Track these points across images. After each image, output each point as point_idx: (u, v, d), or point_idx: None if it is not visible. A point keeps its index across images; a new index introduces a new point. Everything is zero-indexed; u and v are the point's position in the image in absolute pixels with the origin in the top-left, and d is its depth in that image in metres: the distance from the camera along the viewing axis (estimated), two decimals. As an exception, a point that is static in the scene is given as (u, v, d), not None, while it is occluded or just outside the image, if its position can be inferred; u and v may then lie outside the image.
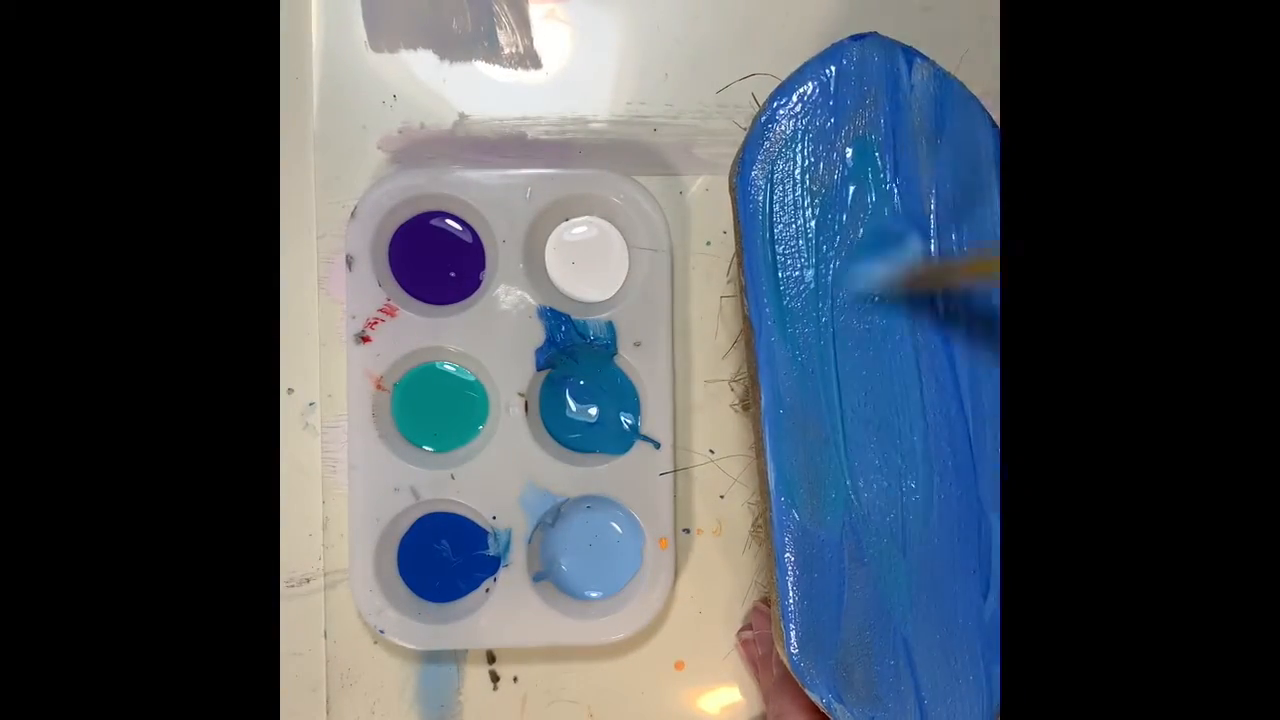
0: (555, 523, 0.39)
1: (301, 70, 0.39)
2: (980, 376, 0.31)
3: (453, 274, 0.39)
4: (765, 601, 0.39)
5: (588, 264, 0.39)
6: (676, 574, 0.39)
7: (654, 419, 0.38)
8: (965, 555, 0.31)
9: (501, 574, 0.38)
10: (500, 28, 0.39)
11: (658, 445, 0.38)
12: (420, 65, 0.39)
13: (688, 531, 0.40)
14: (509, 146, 0.39)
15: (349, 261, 0.37)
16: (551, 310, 0.38)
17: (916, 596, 0.31)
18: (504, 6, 0.39)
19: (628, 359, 0.38)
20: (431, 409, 0.39)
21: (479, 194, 0.37)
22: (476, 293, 0.38)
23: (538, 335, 0.38)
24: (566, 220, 0.39)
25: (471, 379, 0.39)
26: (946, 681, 0.31)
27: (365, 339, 0.38)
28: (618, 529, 0.39)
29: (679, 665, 0.40)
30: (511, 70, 0.39)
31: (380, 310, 0.37)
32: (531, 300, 0.38)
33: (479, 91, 0.39)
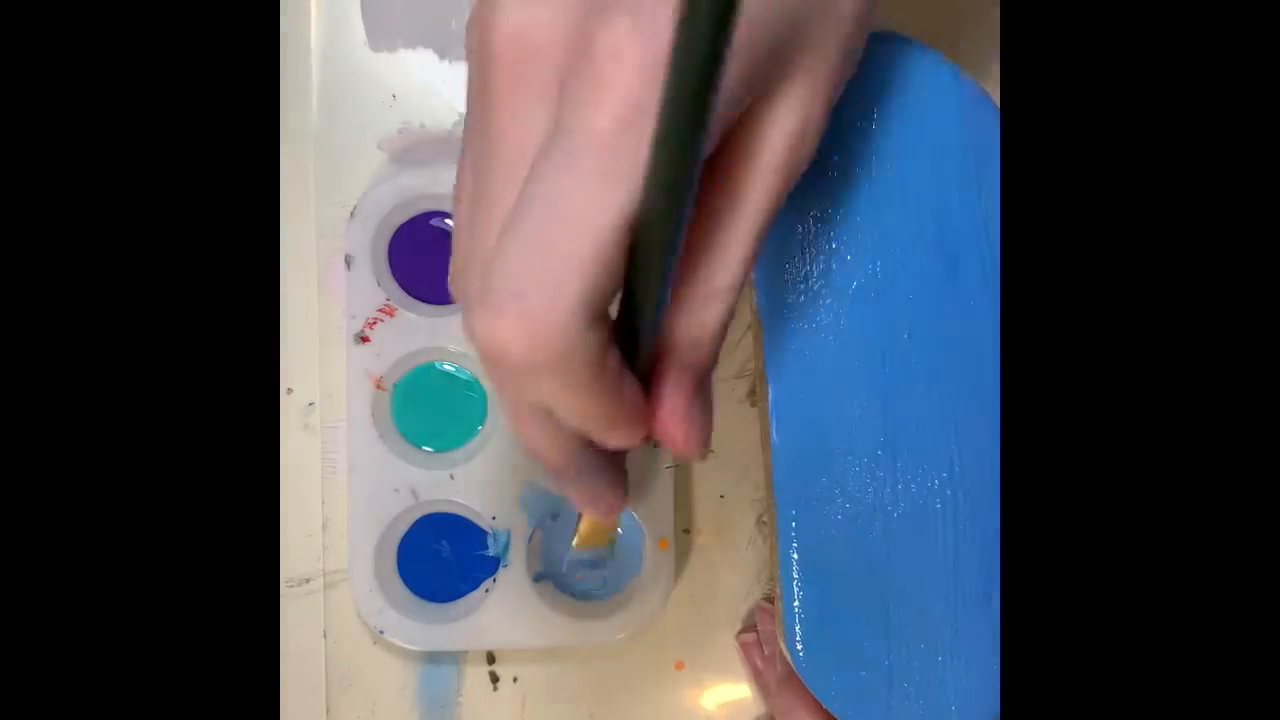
0: (555, 523, 0.39)
1: (301, 70, 0.39)
2: (992, 369, 0.31)
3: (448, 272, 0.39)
4: (769, 599, 0.39)
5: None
6: (677, 575, 0.39)
7: None
8: (976, 552, 0.31)
9: (501, 574, 0.38)
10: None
11: (656, 444, 0.38)
12: (420, 65, 0.39)
13: (687, 532, 0.40)
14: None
15: (348, 261, 0.37)
16: None
17: (925, 594, 0.31)
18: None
19: None
20: (431, 409, 0.39)
21: None
22: None
23: None
24: None
25: (471, 379, 0.39)
26: (956, 679, 0.31)
27: (365, 339, 0.38)
28: (618, 529, 0.39)
29: (679, 665, 0.40)
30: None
31: (380, 310, 0.37)
32: None
33: (479, 91, 0.39)
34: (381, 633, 0.37)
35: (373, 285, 0.37)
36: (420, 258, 0.38)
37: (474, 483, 0.38)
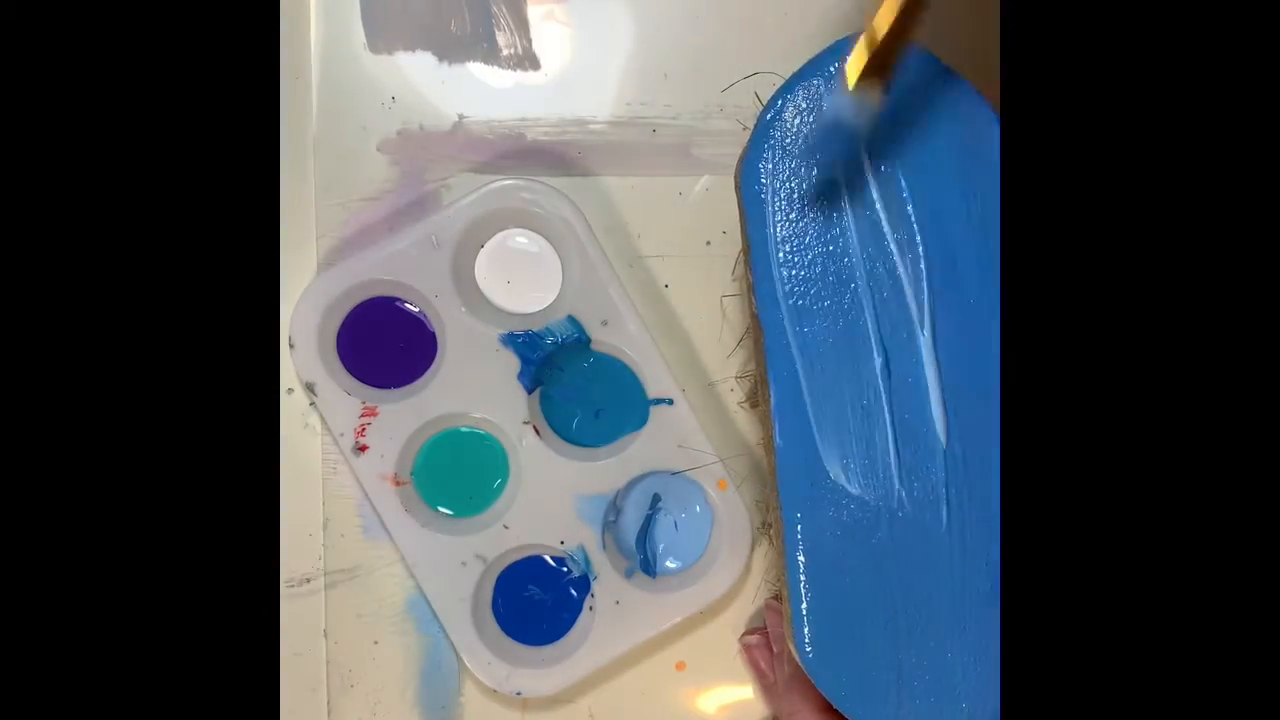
0: (618, 518, 0.39)
1: (301, 72, 0.39)
2: (992, 369, 0.31)
3: (403, 346, 0.38)
4: (777, 598, 0.39)
5: (522, 273, 0.38)
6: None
7: (655, 380, 0.38)
8: (981, 550, 0.31)
9: (596, 587, 0.38)
10: (499, 29, 0.39)
11: (670, 402, 0.38)
12: (419, 67, 0.39)
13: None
14: (508, 148, 0.39)
15: (310, 388, 0.38)
16: (510, 334, 0.38)
17: (933, 592, 0.31)
18: (502, 8, 0.39)
19: (603, 340, 0.38)
20: (454, 477, 0.39)
21: (391, 267, 0.37)
22: (437, 354, 0.38)
23: (512, 362, 0.38)
24: (482, 247, 0.38)
25: (476, 432, 0.39)
26: (965, 676, 0.31)
27: (362, 449, 0.38)
28: (675, 495, 0.39)
29: (679, 665, 0.40)
30: (510, 72, 0.39)
31: (362, 416, 0.38)
32: (491, 334, 0.38)
33: (478, 93, 0.39)
34: (519, 694, 0.38)
35: (344, 398, 0.38)
36: (372, 349, 0.38)
37: (527, 521, 0.38)
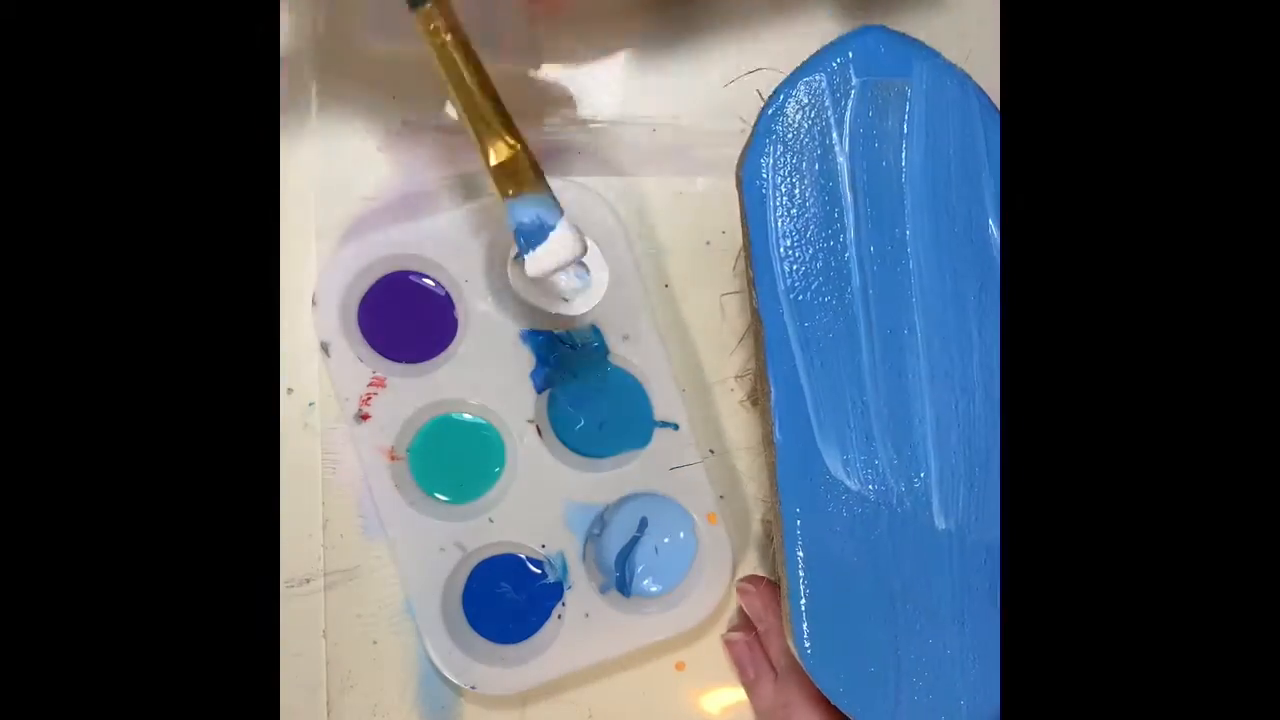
0: (603, 532, 0.39)
1: (301, 70, 0.39)
2: (992, 367, 0.31)
3: (424, 324, 0.38)
4: (749, 580, 0.38)
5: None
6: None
7: (664, 403, 0.38)
8: (980, 550, 0.31)
9: (568, 596, 0.38)
10: (500, 28, 0.39)
11: (676, 427, 0.38)
12: (420, 65, 0.39)
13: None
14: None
15: (324, 348, 0.37)
16: (531, 332, 0.38)
17: (932, 590, 0.31)
18: (503, 7, 0.39)
19: (621, 354, 0.38)
20: (449, 462, 0.39)
21: (430, 243, 0.37)
22: (456, 338, 0.38)
23: (527, 360, 0.38)
24: None
25: (479, 421, 0.39)
26: (964, 674, 0.31)
27: (364, 417, 0.38)
28: (663, 520, 0.39)
29: (679, 665, 0.40)
30: (511, 70, 0.39)
31: (370, 385, 0.38)
32: (513, 329, 0.38)
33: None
34: (473, 688, 0.37)
35: (355, 364, 0.37)
36: (392, 321, 0.38)
37: (513, 519, 0.38)
